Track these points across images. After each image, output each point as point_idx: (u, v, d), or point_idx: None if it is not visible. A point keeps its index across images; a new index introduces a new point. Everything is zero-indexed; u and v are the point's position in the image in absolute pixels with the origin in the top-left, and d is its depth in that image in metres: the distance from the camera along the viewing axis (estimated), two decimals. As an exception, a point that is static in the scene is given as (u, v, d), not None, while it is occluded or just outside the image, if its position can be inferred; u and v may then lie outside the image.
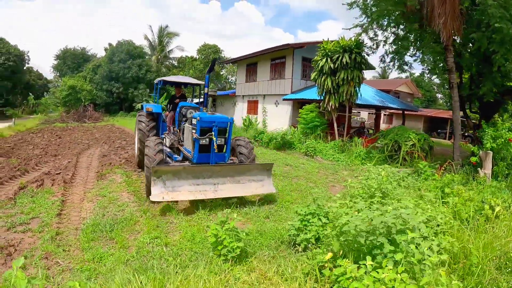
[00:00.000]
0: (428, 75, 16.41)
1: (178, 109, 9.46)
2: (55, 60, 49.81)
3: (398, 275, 2.76)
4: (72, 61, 49.09)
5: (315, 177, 10.64)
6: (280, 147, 15.79)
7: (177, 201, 7.14)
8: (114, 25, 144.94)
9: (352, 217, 3.66)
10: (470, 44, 13.05)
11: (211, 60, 44.09)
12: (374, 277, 2.77)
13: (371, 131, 23.24)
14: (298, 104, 20.53)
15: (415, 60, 15.22)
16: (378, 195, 5.53)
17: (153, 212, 6.67)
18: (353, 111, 37.51)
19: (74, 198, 7.66)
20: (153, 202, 6.94)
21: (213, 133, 7.33)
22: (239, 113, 28.56)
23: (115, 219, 6.10)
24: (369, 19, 13.39)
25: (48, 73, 60.16)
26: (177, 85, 10.65)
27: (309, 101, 18.06)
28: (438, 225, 4.41)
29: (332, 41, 15.07)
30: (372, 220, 3.45)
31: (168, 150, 9.12)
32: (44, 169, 10.62)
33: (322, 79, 14.93)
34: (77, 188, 8.58)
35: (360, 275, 2.89)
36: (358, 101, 16.50)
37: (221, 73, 48.40)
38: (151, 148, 7.41)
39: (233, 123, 8.05)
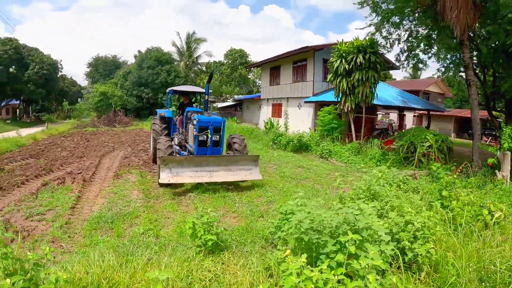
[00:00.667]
0: (445, 73, 16.05)
1: (185, 114, 11.12)
2: (88, 67, 52.82)
3: (336, 276, 2.86)
4: (103, 68, 51.84)
5: (324, 179, 10.85)
6: (297, 150, 16.10)
7: (181, 201, 7.84)
8: (145, 33, 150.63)
9: (303, 216, 3.82)
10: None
11: (237, 64, 45.13)
12: (305, 274, 2.89)
13: (396, 133, 22.97)
14: (320, 106, 20.75)
15: (429, 58, 14.92)
16: (363, 196, 5.53)
17: (156, 208, 7.31)
18: (379, 112, 37.02)
19: (90, 195, 8.46)
20: (161, 185, 8.85)
21: (209, 131, 9.26)
22: (264, 116, 29.13)
23: (120, 212, 6.78)
24: (379, 17, 13.40)
25: (82, 80, 63.99)
26: (184, 93, 12.57)
27: (328, 103, 18.26)
28: (418, 230, 4.16)
29: (346, 42, 15.16)
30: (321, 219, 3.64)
31: (177, 147, 10.78)
32: (68, 169, 11.60)
33: (338, 80, 15.08)
34: (94, 186, 9.41)
35: (297, 272, 2.96)
36: (378, 102, 16.49)
37: (249, 76, 49.24)
38: (162, 144, 9.49)
39: (226, 123, 10.03)
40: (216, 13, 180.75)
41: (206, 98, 9.75)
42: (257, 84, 51.27)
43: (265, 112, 29.66)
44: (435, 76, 37.64)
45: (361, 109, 15.83)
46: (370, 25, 13.94)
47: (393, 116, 38.75)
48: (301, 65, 23.45)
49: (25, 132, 24.62)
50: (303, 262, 3.00)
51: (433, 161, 11.73)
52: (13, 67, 40.62)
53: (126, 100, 43.86)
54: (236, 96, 38.99)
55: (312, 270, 2.91)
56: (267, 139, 18.86)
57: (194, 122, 9.40)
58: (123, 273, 3.40)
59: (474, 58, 13.98)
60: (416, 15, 13.31)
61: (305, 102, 22.19)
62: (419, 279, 3.68)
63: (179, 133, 11.70)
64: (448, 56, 14.77)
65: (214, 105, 34.99)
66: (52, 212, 6.88)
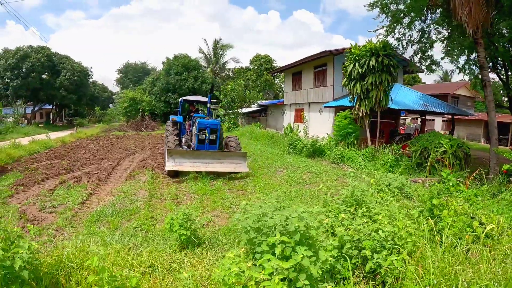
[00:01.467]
0: (459, 74, 15.69)
1: (192, 119, 13.42)
2: (118, 74, 55.57)
3: (261, 274, 2.98)
4: (133, 74, 54.35)
5: (331, 185, 11.12)
6: (311, 155, 16.27)
7: (182, 202, 8.49)
8: (175, 40, 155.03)
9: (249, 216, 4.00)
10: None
11: (263, 70, 45.89)
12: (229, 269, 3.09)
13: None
14: (340, 111, 20.93)
15: (442, 58, 14.55)
16: (346, 202, 5.65)
17: (156, 206, 7.94)
18: (406, 117, 36.34)
19: (101, 193, 9.24)
20: (170, 175, 11.27)
21: (206, 131, 11.94)
22: (287, 121, 29.50)
23: (121, 209, 7.46)
24: (389, 19, 13.40)
25: (113, 86, 67.29)
26: (192, 102, 15.37)
27: (346, 108, 18.36)
28: (386, 240, 4.08)
29: (360, 46, 15.15)
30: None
31: (185, 146, 13.25)
32: (87, 169, 12.53)
33: (352, 84, 15.13)
34: (107, 185, 10.22)
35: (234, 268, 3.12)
36: (395, 106, 16.36)
37: (275, 82, 49.88)
38: (171, 142, 12.46)
39: (221, 126, 13.02)
40: (246, 19, 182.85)
41: (208, 106, 12.70)
42: (283, 89, 51.86)
43: (288, 117, 30.06)
44: (466, 79, 36.66)
45: (381, 114, 15.81)
46: (382, 27, 14.03)
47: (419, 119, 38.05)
48: (322, 70, 23.73)
49: (56, 135, 26.32)
50: (232, 257, 3.24)
51: (447, 167, 11.29)
52: (46, 74, 43.54)
53: (154, 106, 45.63)
54: (260, 102, 39.66)
55: (239, 267, 3.07)
56: (284, 144, 19.22)
57: (196, 124, 12.23)
58: (93, 263, 3.94)
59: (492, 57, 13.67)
60: (428, 15, 13.25)
61: (325, 107, 22.41)
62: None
63: (187, 135, 13.98)
64: (463, 57, 14.46)
65: (239, 110, 35.83)
66: (63, 206, 7.68)
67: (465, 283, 3.40)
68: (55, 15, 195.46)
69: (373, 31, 15.07)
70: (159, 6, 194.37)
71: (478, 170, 9.74)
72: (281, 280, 2.95)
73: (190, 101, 15.35)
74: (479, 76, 12.47)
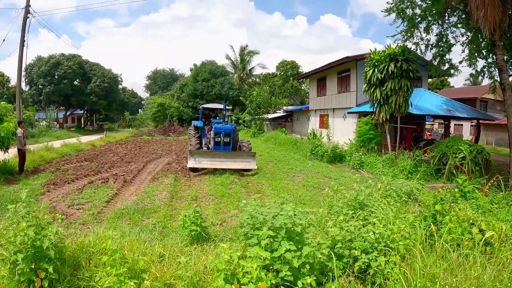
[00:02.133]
0: (478, 78, 15.32)
1: (210, 124, 15.70)
2: (147, 80, 57.53)
3: (249, 263, 3.27)
4: (161, 81, 56.12)
5: (338, 189, 11.31)
6: (332, 160, 16.44)
7: (200, 202, 8.96)
8: (202, 46, 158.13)
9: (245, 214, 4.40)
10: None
11: (289, 76, 46.29)
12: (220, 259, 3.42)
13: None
14: (362, 117, 20.97)
15: (460, 62, 14.27)
16: (350, 205, 5.87)
17: (175, 206, 8.47)
18: (433, 122, 35.52)
19: (126, 193, 9.90)
20: (191, 170, 13.22)
21: (221, 134, 14.28)
22: (312, 127, 29.74)
23: (143, 208, 8.05)
24: (405, 23, 13.42)
25: (142, 92, 69.83)
26: (211, 110, 17.77)
27: (368, 114, 18.42)
28: (377, 241, 4.27)
29: (379, 51, 15.19)
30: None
31: (205, 147, 15.70)
32: (114, 171, 13.31)
33: (371, 90, 15.21)
34: (132, 186, 10.89)
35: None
36: (417, 112, 16.24)
37: (301, 87, 50.13)
38: (192, 144, 14.77)
39: (236, 129, 15.82)
40: (273, 24, 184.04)
41: (223, 113, 16.15)
42: (308, 95, 52.03)
43: (314, 123, 30.24)
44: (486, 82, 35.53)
45: (402, 119, 15.74)
46: (400, 31, 14.00)
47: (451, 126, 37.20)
48: (345, 76, 23.86)
49: (87, 139, 27.75)
50: (225, 247, 3.60)
51: (466, 173, 10.99)
52: (77, 80, 45.92)
53: (182, 111, 46.97)
54: (285, 107, 40.02)
55: (230, 255, 3.38)
56: (306, 150, 19.45)
57: (212, 129, 14.65)
58: (108, 245, 4.42)
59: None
60: (446, 17, 13.16)
61: (348, 112, 22.50)
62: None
63: (206, 138, 16.29)
64: (481, 60, 14.12)
65: (265, 115, 36.45)
66: (89, 204, 8.37)
67: (447, 287, 3.51)
68: (86, 23, 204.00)
69: (392, 36, 14.94)
70: (186, 13, 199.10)
71: (496, 176, 9.74)
72: (268, 270, 3.31)
73: (209, 109, 17.87)
74: (498, 79, 12.31)
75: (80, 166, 14.44)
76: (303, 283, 3.29)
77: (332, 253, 3.97)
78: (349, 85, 23.22)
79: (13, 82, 52.60)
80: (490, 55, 13.38)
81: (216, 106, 17.85)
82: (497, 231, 4.86)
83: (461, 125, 36.90)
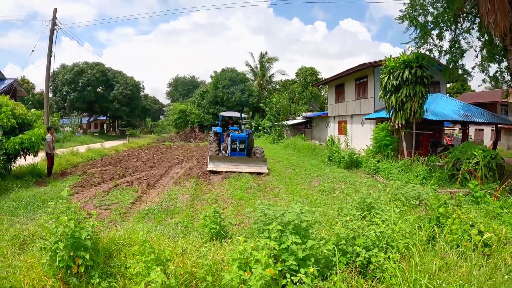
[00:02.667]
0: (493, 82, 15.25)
1: (228, 131, 17.83)
2: (168, 87, 58.98)
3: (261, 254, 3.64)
4: (182, 88, 57.40)
5: (348, 192, 11.54)
6: (348, 166, 16.73)
7: (220, 204, 9.42)
8: (223, 53, 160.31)
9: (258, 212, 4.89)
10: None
11: (308, 82, 46.58)
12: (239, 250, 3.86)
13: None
14: (380, 123, 21.06)
15: (473, 68, 14.43)
16: (358, 207, 6.29)
17: (196, 208, 8.96)
18: (451, 127, 35.03)
19: (150, 196, 10.48)
20: (210, 171, 14.98)
21: (237, 142, 16.48)
22: (331, 133, 29.91)
23: (166, 209, 8.58)
24: (418, 31, 13.62)
25: (163, 98, 71.73)
26: (229, 118, 20.34)
27: (384, 120, 18.55)
28: (379, 239, 4.59)
29: (395, 58, 15.39)
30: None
31: (223, 152, 17.81)
32: (138, 175, 13.97)
33: (387, 97, 15.44)
34: (156, 189, 11.48)
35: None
36: (433, 117, 16.22)
37: (320, 94, 50.34)
38: (212, 149, 17.30)
39: (251, 135, 18.33)
40: (292, 30, 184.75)
41: (240, 121, 19.19)
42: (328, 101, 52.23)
43: (332, 129, 30.40)
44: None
45: (419, 125, 15.80)
46: (414, 38, 14.22)
47: (471, 130, 36.59)
48: (363, 82, 24.01)
49: (109, 144, 28.81)
50: (240, 239, 4.07)
51: (478, 179, 11.03)
52: (101, 87, 47.69)
53: (203, 118, 47.92)
54: (305, 114, 40.31)
55: (244, 248, 3.79)
56: (324, 156, 19.72)
57: (229, 136, 16.80)
58: (139, 236, 4.89)
59: None
60: (458, 24, 13.30)
61: (366, 119, 22.61)
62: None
63: (224, 143, 18.33)
64: (493, 65, 14.24)
65: (285, 122, 36.95)
66: (116, 205, 8.97)
67: (439, 281, 3.72)
68: (107, 32, 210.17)
69: (405, 43, 15.23)
70: (206, 20, 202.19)
71: (508, 181, 9.91)
72: (277, 261, 3.73)
73: (227, 117, 20.47)
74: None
75: (105, 170, 15.20)
76: (306, 272, 3.65)
77: (336, 249, 4.32)
78: (367, 91, 23.36)
79: (38, 89, 55.24)
80: (503, 60, 13.49)
81: (233, 114, 20.35)
82: (497, 233, 5.03)
83: (482, 129, 36.39)
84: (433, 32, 14.21)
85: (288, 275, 3.67)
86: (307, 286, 3.57)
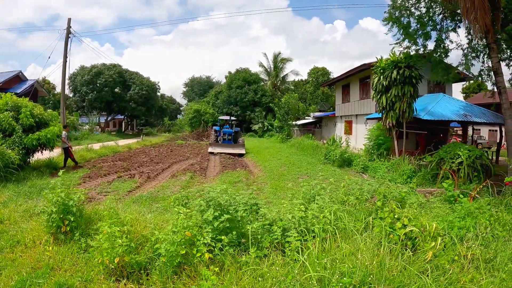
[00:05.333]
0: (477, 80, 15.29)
1: (223, 129, 28.20)
2: (184, 87, 61.27)
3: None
4: (198, 88, 59.59)
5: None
6: (341, 165, 17.58)
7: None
8: (241, 53, 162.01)
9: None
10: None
11: (320, 82, 47.64)
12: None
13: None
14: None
15: (457, 66, 14.78)
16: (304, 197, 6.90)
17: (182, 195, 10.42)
18: (457, 128, 35.09)
19: (147, 186, 12.05)
20: (210, 153, 24.26)
21: (226, 135, 27.25)
22: (338, 132, 31.08)
23: (156, 196, 10.10)
24: (401, 31, 14.17)
25: (180, 98, 74.45)
26: (225, 120, 31.16)
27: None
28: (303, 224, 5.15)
29: (386, 59, 16.06)
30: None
31: (220, 141, 27.17)
32: (142, 170, 15.60)
33: (378, 97, 16.22)
34: (154, 181, 13.05)
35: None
36: (429, 117, 16.59)
37: (332, 94, 51.25)
38: (212, 139, 28.01)
39: (238, 132, 29.31)
40: (311, 30, 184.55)
41: (230, 122, 30.59)
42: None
43: (340, 129, 31.38)
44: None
45: (416, 125, 16.42)
46: (404, 38, 14.67)
47: (484, 132, 36.56)
48: (366, 82, 24.94)
49: (125, 142, 30.90)
50: (182, 210, 5.55)
51: (454, 178, 11.19)
52: (118, 88, 50.32)
53: (217, 117, 49.68)
54: (313, 114, 41.42)
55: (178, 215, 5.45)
56: (322, 155, 20.68)
57: (222, 131, 27.50)
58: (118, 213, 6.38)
59: None
60: (443, 23, 13.78)
61: (367, 119, 23.47)
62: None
63: (221, 136, 27.72)
64: (476, 63, 14.44)
65: (296, 122, 38.34)
66: (115, 192, 10.60)
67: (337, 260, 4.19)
68: (127, 32, 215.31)
69: (395, 43, 15.45)
70: (225, 21, 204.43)
71: (486, 182, 9.61)
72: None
73: (223, 120, 31.49)
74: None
75: (113, 164, 16.95)
76: (221, 240, 4.71)
77: (262, 229, 5.28)
78: (369, 91, 24.24)
79: (58, 89, 58.38)
80: (486, 58, 13.80)
81: (227, 118, 32.14)
82: (426, 229, 5.09)
83: (479, 130, 36.30)
84: (419, 33, 14.57)
85: (201, 238, 4.65)
86: (217, 250, 4.60)
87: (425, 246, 4.79)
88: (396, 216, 5.32)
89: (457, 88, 53.83)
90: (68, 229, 5.52)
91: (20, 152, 12.94)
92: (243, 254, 4.75)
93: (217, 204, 5.15)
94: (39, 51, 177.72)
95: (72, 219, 5.48)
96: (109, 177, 13.29)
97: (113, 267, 4.59)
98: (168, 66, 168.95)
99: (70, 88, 48.07)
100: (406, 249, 4.72)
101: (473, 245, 5.06)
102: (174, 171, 15.58)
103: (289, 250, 4.67)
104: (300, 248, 4.57)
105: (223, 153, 23.52)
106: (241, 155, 23.75)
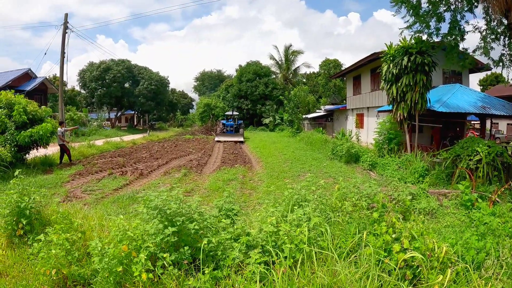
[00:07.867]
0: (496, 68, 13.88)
1: (228, 121, 36.76)
2: (195, 82, 61.30)
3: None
4: (209, 82, 59.56)
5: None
6: (348, 161, 16.74)
7: (194, 193, 10.51)
8: (255, 47, 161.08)
9: None
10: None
11: (331, 74, 46.80)
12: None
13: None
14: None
15: (474, 51, 13.34)
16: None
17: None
18: (474, 121, 33.89)
19: (136, 184, 11.67)
20: (217, 141, 31.11)
21: (229, 127, 35.38)
22: (350, 127, 30.33)
23: (138, 195, 9.70)
24: (410, 11, 12.91)
25: (191, 92, 74.70)
26: (229, 115, 38.01)
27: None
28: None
29: (396, 45, 14.77)
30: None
31: (224, 131, 34.66)
32: (137, 166, 15.32)
33: (388, 87, 15.04)
34: (146, 179, 12.69)
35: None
36: (444, 109, 15.66)
37: (344, 86, 50.35)
38: (219, 130, 36.19)
39: (241, 125, 37.06)
40: (325, 23, 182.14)
41: (233, 116, 36.99)
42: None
43: (351, 122, 30.59)
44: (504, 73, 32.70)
45: (431, 118, 15.48)
46: (415, 22, 13.35)
47: (502, 126, 35.20)
48: (377, 73, 23.77)
49: (132, 137, 30.92)
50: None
51: (472, 179, 9.76)
52: (127, 83, 50.71)
53: (227, 111, 49.49)
54: (324, 107, 40.68)
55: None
56: (327, 149, 19.93)
57: (227, 124, 35.81)
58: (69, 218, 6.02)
59: None
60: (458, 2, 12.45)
61: (378, 111, 22.60)
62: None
63: (225, 128, 35.20)
64: (497, 46, 13.03)
65: (304, 116, 37.88)
66: (100, 191, 10.24)
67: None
68: (141, 28, 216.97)
69: (405, 28, 13.91)
70: (238, 15, 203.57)
71: (508, 184, 9.00)
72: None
73: (228, 115, 38.09)
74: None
75: (110, 161, 16.71)
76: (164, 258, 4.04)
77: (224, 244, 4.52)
78: (380, 82, 23.44)
79: (69, 85, 59.18)
80: (507, 41, 12.52)
81: (231, 113, 38.18)
82: (433, 253, 4.02)
83: (497, 123, 34.93)
84: (431, 13, 13.18)
85: (144, 253, 4.00)
86: (158, 270, 3.96)
87: (430, 278, 3.76)
88: (394, 236, 4.24)
89: (474, 80, 52.08)
90: (22, 232, 5.24)
91: (12, 149, 12.83)
92: (197, 274, 4.04)
93: (164, 214, 4.40)
94: (53, 49, 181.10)
95: (24, 222, 5.20)
96: (100, 174, 13.00)
97: (54, 278, 4.27)
98: (182, 61, 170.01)
99: (80, 84, 48.74)
100: (404, 281, 3.79)
101: (493, 275, 4.08)
102: (170, 168, 15.24)
103: (245, 278, 3.94)
104: (264, 273, 3.86)
105: (226, 140, 30.38)
106: (241, 142, 30.18)
